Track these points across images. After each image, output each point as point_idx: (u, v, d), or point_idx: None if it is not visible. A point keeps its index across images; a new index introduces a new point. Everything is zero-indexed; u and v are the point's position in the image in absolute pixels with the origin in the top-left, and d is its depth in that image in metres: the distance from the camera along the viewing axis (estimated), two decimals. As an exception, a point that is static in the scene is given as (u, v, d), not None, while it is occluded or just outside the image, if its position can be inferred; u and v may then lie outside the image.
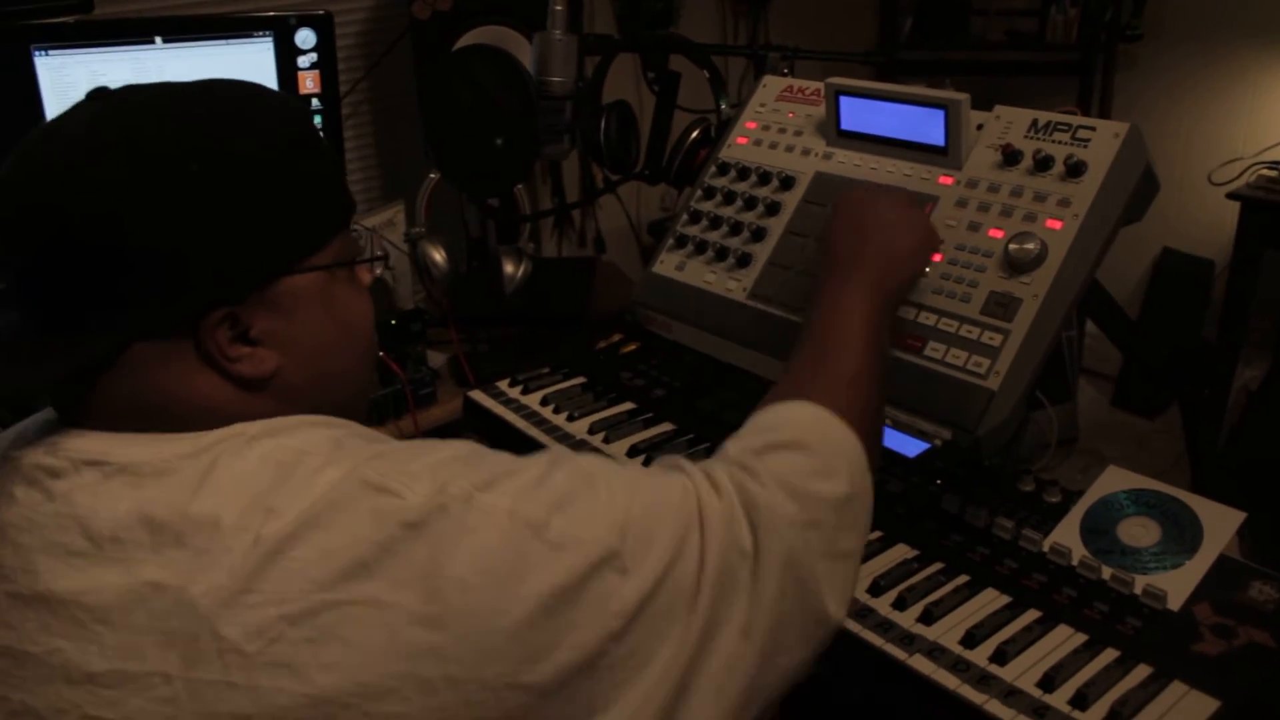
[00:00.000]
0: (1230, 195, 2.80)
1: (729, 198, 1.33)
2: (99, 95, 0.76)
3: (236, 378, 0.76)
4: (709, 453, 1.07)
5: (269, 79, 1.88)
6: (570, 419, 1.36)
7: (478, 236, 2.16)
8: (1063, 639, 0.95)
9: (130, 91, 0.77)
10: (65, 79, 1.70)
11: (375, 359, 0.94)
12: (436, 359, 1.95)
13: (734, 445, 0.87)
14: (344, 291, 0.83)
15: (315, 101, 1.92)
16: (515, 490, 0.72)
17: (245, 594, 0.66)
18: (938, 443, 1.07)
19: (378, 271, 0.87)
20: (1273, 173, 2.78)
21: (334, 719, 0.65)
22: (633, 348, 1.55)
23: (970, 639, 0.95)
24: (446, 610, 0.67)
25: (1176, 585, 0.98)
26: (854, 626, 0.98)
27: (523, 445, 1.36)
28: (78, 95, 0.78)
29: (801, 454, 0.84)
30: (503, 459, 0.76)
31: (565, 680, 0.69)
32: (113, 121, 0.73)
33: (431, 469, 0.72)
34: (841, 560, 0.84)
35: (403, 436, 1.77)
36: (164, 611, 0.66)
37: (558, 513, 0.72)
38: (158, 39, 1.77)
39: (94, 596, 0.68)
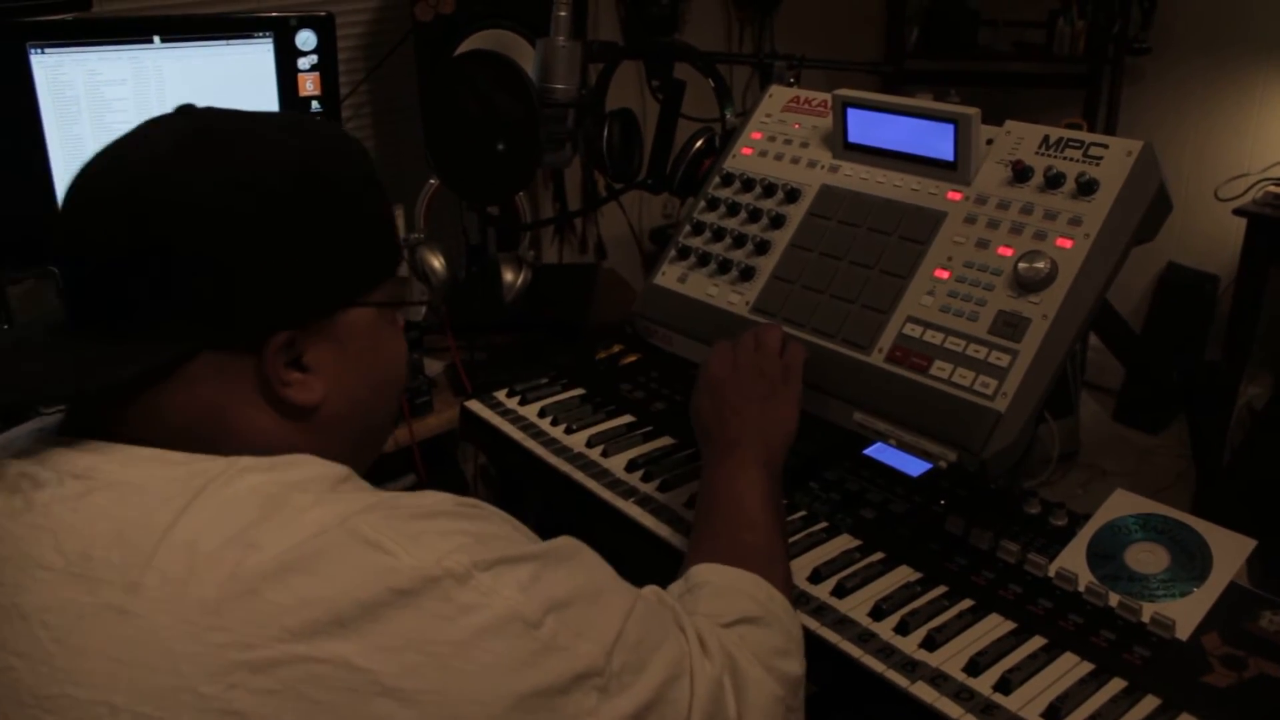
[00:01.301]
0: (1236, 211, 2.79)
1: (733, 209, 1.31)
2: (189, 110, 0.78)
3: (284, 403, 0.76)
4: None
5: (269, 81, 1.86)
6: (568, 431, 1.34)
7: (477, 243, 2.14)
8: (1069, 667, 0.93)
9: (216, 111, 0.79)
10: (61, 78, 1.68)
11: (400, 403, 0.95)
12: (434, 367, 1.93)
13: (696, 605, 0.89)
14: (389, 332, 0.85)
15: (315, 104, 1.91)
16: (516, 580, 0.70)
17: (212, 630, 0.63)
18: (942, 464, 1.05)
19: (419, 316, 0.87)
20: (1279, 189, 2.77)
21: None
22: (633, 359, 1.53)
23: (974, 666, 0.93)
24: (421, 688, 0.64)
25: (1185, 614, 0.97)
26: (855, 651, 0.96)
27: (520, 458, 1.34)
28: (74, 94, 0.77)
29: (766, 630, 0.88)
30: (508, 537, 0.74)
31: None
32: (205, 138, 0.75)
33: (432, 535, 0.69)
34: None
35: (399, 446, 1.76)
36: (124, 639, 0.64)
37: (553, 614, 0.70)
38: (156, 38, 1.75)
39: (55, 614, 0.66)
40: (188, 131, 0.75)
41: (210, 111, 0.79)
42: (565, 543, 0.78)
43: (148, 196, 0.72)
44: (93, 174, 0.75)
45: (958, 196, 1.15)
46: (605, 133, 1.61)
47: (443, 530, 0.70)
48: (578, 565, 0.77)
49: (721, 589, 0.91)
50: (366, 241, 0.81)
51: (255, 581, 0.64)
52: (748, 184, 1.32)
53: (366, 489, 0.75)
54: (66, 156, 1.71)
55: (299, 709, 0.62)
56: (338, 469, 0.75)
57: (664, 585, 0.90)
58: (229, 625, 0.63)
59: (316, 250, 0.76)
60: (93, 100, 1.71)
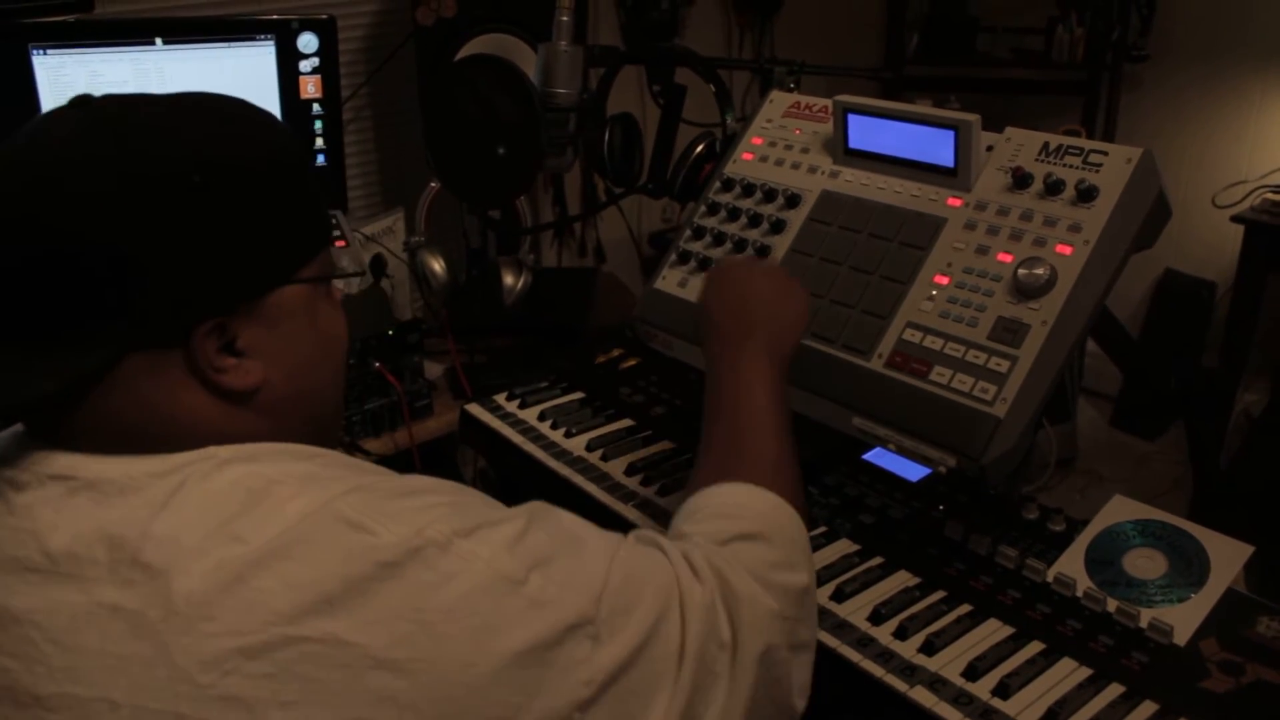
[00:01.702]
0: (1234, 218, 2.79)
1: (733, 214, 1.32)
2: (84, 103, 0.75)
3: (222, 390, 0.74)
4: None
5: (270, 83, 1.86)
6: (568, 435, 1.35)
7: (477, 246, 2.14)
8: (1067, 673, 0.93)
9: (118, 101, 0.75)
10: (63, 79, 1.68)
11: (346, 376, 0.93)
12: (434, 370, 1.93)
13: (694, 528, 0.87)
14: (324, 306, 0.83)
15: (316, 107, 1.91)
16: (496, 541, 0.70)
17: (203, 621, 0.63)
18: (941, 469, 1.05)
19: (353, 288, 0.86)
20: (1277, 196, 2.78)
21: None
22: (633, 363, 1.54)
23: (973, 671, 0.93)
24: (413, 656, 0.65)
25: (1183, 619, 0.97)
26: (854, 656, 0.96)
27: (519, 461, 1.34)
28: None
29: (764, 545, 0.85)
30: (486, 507, 0.75)
31: None
32: (106, 131, 0.72)
33: (411, 511, 0.70)
34: (803, 652, 0.85)
35: (398, 449, 1.76)
36: (117, 635, 0.64)
37: (537, 570, 0.70)
38: (158, 40, 1.76)
39: (46, 615, 0.66)
40: (85, 123, 0.72)
41: (110, 100, 0.75)
42: (539, 505, 0.78)
43: (46, 196, 0.69)
44: None
45: (958, 203, 1.15)
46: (606, 137, 1.62)
47: (421, 505, 0.71)
48: (555, 522, 0.77)
49: (720, 508, 0.88)
50: (285, 220, 0.78)
51: (241, 571, 0.65)
52: (748, 189, 1.32)
53: (343, 467, 0.75)
54: (68, 158, 1.71)
55: (296, 689, 0.63)
56: (313, 454, 0.75)
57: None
58: (219, 615, 0.64)
59: (230, 236, 0.73)
60: (94, 102, 1.71)
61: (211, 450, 0.71)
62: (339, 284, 0.87)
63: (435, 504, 0.71)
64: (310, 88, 1.89)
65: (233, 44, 1.82)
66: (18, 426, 0.78)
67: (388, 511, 0.69)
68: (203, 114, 0.77)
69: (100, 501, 0.69)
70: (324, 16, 1.89)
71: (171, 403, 0.73)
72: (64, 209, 0.69)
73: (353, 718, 0.63)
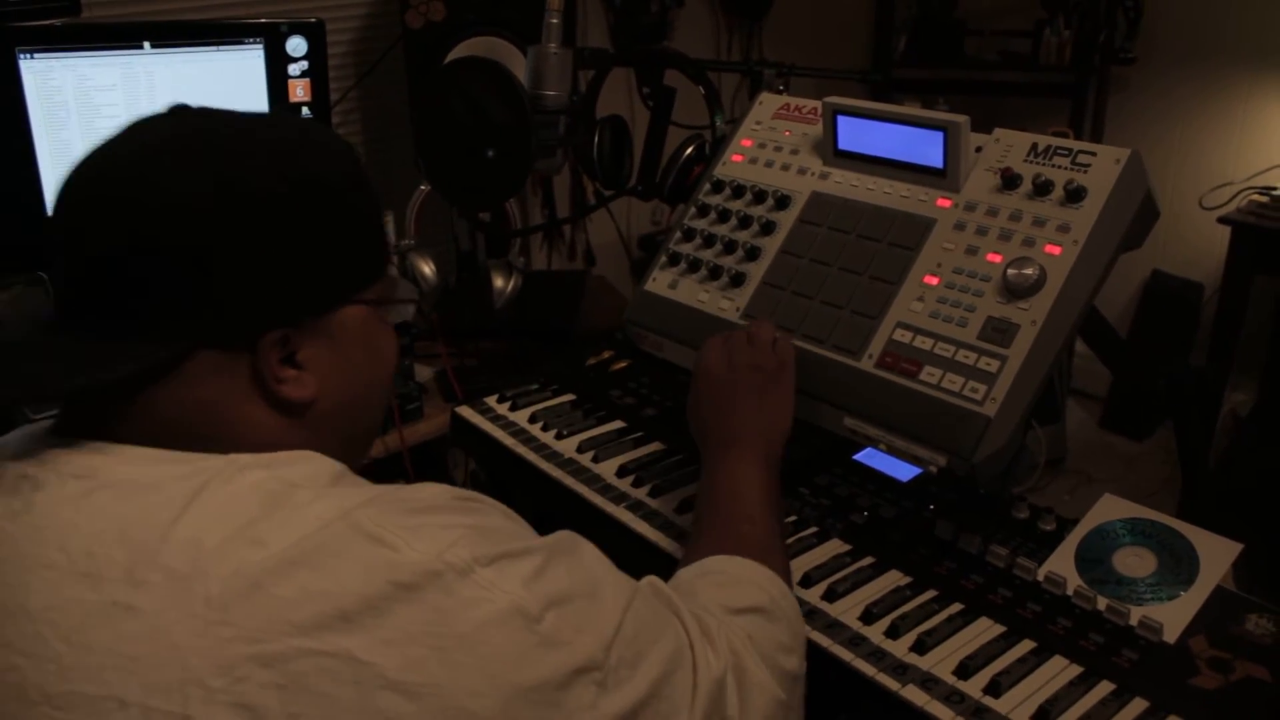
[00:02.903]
0: (1221, 220, 2.81)
1: (723, 215, 1.32)
2: (179, 110, 0.79)
3: (279, 399, 0.76)
4: (698, 474, 1.07)
5: (259, 87, 1.86)
6: (559, 437, 1.35)
7: (467, 249, 2.14)
8: (1057, 670, 0.94)
9: (209, 111, 0.79)
10: (50, 83, 1.67)
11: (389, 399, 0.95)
12: (424, 373, 1.93)
13: (705, 588, 0.89)
14: (380, 329, 0.85)
15: (305, 110, 1.90)
16: (516, 575, 0.71)
17: (219, 625, 0.64)
18: (932, 469, 1.05)
19: (409, 315, 0.88)
20: (1263, 198, 2.79)
21: None
22: (623, 365, 1.54)
23: (964, 670, 0.93)
24: (424, 681, 0.65)
25: (1172, 617, 0.97)
26: (846, 655, 0.96)
27: (510, 463, 1.34)
28: (63, 100, 0.77)
29: (771, 622, 0.88)
30: (508, 533, 0.75)
31: None
32: (198, 138, 0.75)
33: (433, 529, 0.70)
34: None
35: (389, 452, 1.75)
36: (130, 635, 0.64)
37: (553, 609, 0.71)
38: (146, 44, 1.75)
39: (60, 613, 0.66)
40: (177, 131, 0.76)
41: (201, 111, 0.79)
42: (564, 537, 0.79)
43: (137, 196, 0.72)
44: (83, 175, 0.75)
45: (947, 203, 1.16)
46: (595, 139, 1.62)
47: (443, 524, 0.70)
48: (577, 560, 0.77)
49: (732, 577, 0.91)
50: (357, 240, 0.81)
51: (260, 577, 0.65)
52: (738, 191, 1.32)
53: (363, 484, 0.75)
54: (55, 162, 1.71)
55: (306, 702, 0.63)
56: (334, 464, 0.76)
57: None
58: (235, 620, 0.64)
59: (307, 249, 0.76)
60: (82, 105, 1.70)
61: (234, 457, 0.72)
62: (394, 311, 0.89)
63: (457, 524, 0.71)
64: (299, 91, 1.89)
65: (221, 48, 1.82)
66: (34, 425, 0.79)
67: (409, 526, 0.69)
68: (288, 130, 0.81)
69: (120, 500, 0.69)
70: (313, 20, 1.88)
71: (227, 404, 0.75)
72: (157, 208, 0.72)
73: None
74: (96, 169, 0.75)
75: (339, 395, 0.80)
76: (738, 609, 0.87)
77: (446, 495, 0.74)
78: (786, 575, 0.96)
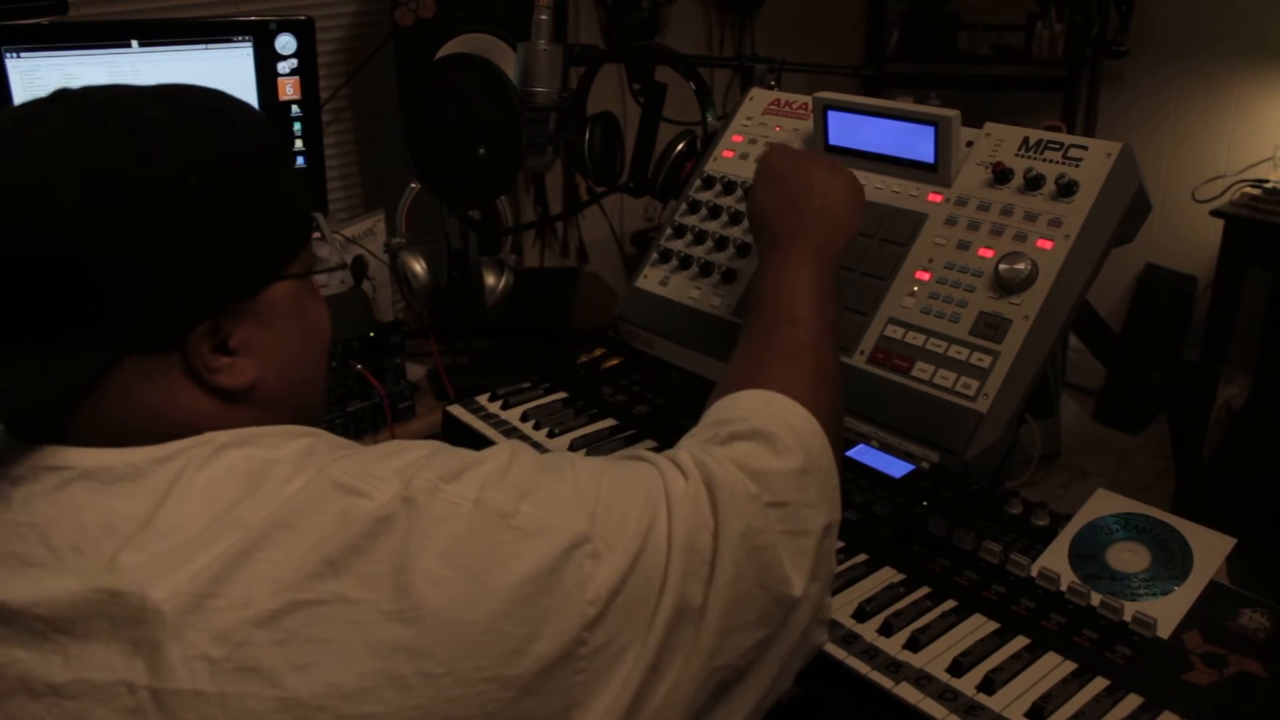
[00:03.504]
0: (1214, 213, 2.81)
1: (714, 212, 1.31)
2: (64, 98, 0.73)
3: (218, 389, 0.75)
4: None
5: (249, 85, 1.85)
6: (551, 435, 1.34)
7: (459, 247, 2.13)
8: (1051, 667, 0.93)
9: (100, 96, 0.74)
10: (37, 82, 1.67)
11: (330, 365, 0.93)
12: (416, 372, 1.92)
13: (690, 440, 0.87)
14: (310, 300, 0.84)
15: (295, 108, 1.90)
16: (480, 480, 0.72)
17: (210, 598, 0.64)
18: (925, 465, 1.05)
19: (337, 283, 0.86)
20: (1256, 190, 2.80)
21: None
22: (615, 363, 1.53)
23: (957, 667, 0.93)
24: (417, 604, 0.66)
25: (1166, 612, 0.97)
26: (839, 653, 0.96)
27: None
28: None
29: (755, 441, 0.84)
30: (466, 453, 0.76)
31: (545, 673, 0.68)
32: (93, 131, 0.70)
33: (397, 469, 0.71)
34: (805, 537, 0.82)
35: (380, 450, 1.74)
36: (125, 619, 0.64)
37: (525, 500, 0.71)
38: (134, 42, 1.74)
39: (48, 607, 0.66)
40: (69, 124, 0.71)
41: (92, 95, 0.73)
42: (515, 442, 0.80)
43: (36, 203, 0.68)
44: None
45: (938, 198, 1.15)
46: (587, 136, 1.61)
47: (407, 462, 0.72)
48: (533, 455, 0.78)
49: (731, 413, 0.88)
50: (276, 217, 0.79)
51: (246, 548, 0.65)
52: (729, 187, 1.32)
53: (337, 444, 0.75)
54: (43, 161, 1.70)
55: (310, 652, 0.64)
56: (308, 434, 0.76)
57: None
58: (227, 591, 0.64)
59: (226, 235, 0.73)
60: (70, 105, 1.69)
61: (208, 436, 0.72)
62: (321, 278, 0.87)
63: (419, 458, 0.73)
64: (289, 89, 1.88)
65: (210, 46, 1.81)
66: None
67: (377, 473, 0.70)
68: (188, 110, 0.75)
69: (100, 491, 0.69)
70: (302, 18, 1.87)
71: (167, 403, 0.73)
72: (55, 216, 0.68)
73: (372, 670, 0.64)
74: None
75: (281, 373, 0.79)
76: (716, 441, 0.84)
77: (408, 442, 0.76)
78: (812, 381, 0.90)
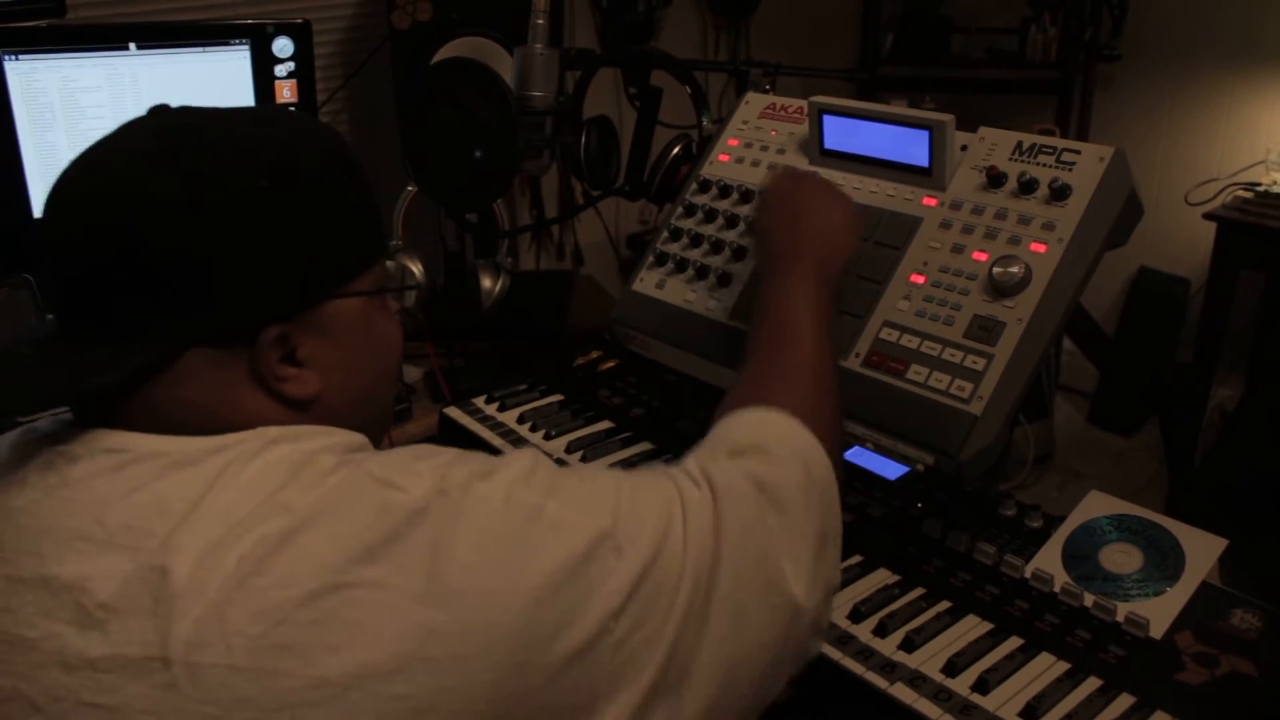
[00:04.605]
0: (1206, 216, 2.82)
1: (710, 215, 1.32)
2: (160, 111, 0.79)
3: (283, 397, 0.78)
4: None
5: (246, 88, 1.85)
6: (547, 437, 1.35)
7: (455, 250, 2.14)
8: (1045, 667, 0.94)
9: (190, 110, 0.80)
10: (35, 84, 1.67)
11: (398, 385, 0.96)
12: (412, 374, 1.93)
13: (695, 454, 0.90)
14: (380, 318, 0.86)
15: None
16: (509, 480, 0.75)
17: (253, 577, 0.66)
18: (920, 467, 1.06)
19: (409, 302, 0.89)
20: (1248, 194, 2.81)
21: (339, 701, 0.65)
22: (611, 365, 1.54)
23: (952, 667, 0.94)
24: (450, 591, 0.68)
25: (1159, 613, 0.98)
26: (834, 654, 0.97)
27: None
28: (48, 101, 0.77)
29: (757, 457, 0.87)
30: (493, 457, 0.80)
31: (571, 662, 0.70)
32: (178, 137, 0.76)
33: (432, 468, 0.74)
34: (804, 540, 0.85)
35: (377, 452, 1.75)
36: (170, 596, 0.66)
37: (552, 498, 0.75)
38: (132, 45, 1.74)
39: (99, 582, 0.67)
40: (160, 132, 0.77)
41: (183, 110, 0.80)
42: (534, 450, 0.82)
43: (123, 197, 0.73)
44: (70, 179, 0.77)
45: (933, 202, 1.16)
46: (583, 140, 1.62)
47: (440, 462, 0.75)
48: (552, 463, 0.81)
49: (723, 430, 0.92)
50: (346, 231, 0.82)
51: (289, 533, 0.68)
52: (724, 190, 1.33)
53: (381, 452, 0.79)
54: (41, 164, 1.70)
55: (343, 633, 0.65)
56: (356, 437, 0.79)
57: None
58: (268, 571, 0.66)
59: (295, 243, 0.77)
60: (67, 107, 1.70)
61: (261, 430, 0.75)
62: (395, 298, 0.91)
63: (454, 459, 0.76)
64: (286, 92, 1.88)
65: (207, 49, 1.81)
66: (65, 414, 0.80)
67: (414, 470, 0.73)
68: (271, 124, 0.81)
69: (155, 473, 0.71)
70: (299, 21, 1.88)
71: (227, 400, 0.76)
72: (136, 211, 0.73)
73: (404, 651, 0.66)
74: (80, 174, 0.77)
75: (343, 388, 0.82)
76: (721, 456, 0.88)
77: (439, 447, 0.79)
78: (814, 400, 0.94)
